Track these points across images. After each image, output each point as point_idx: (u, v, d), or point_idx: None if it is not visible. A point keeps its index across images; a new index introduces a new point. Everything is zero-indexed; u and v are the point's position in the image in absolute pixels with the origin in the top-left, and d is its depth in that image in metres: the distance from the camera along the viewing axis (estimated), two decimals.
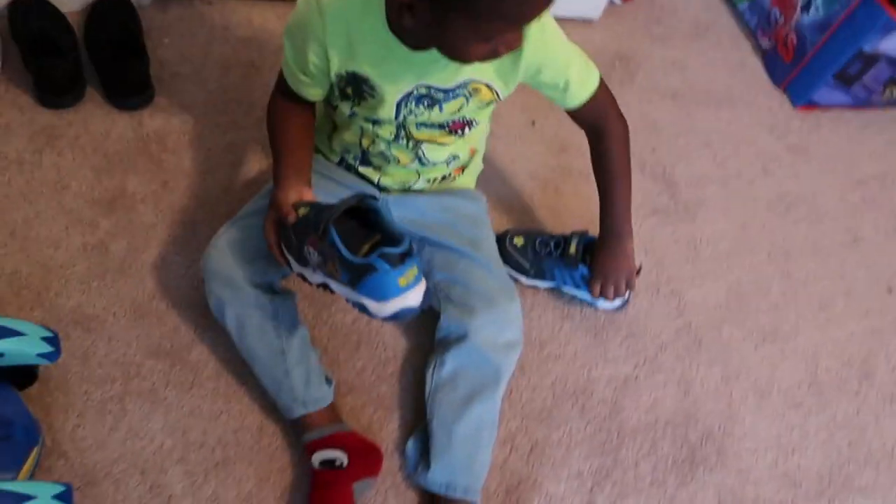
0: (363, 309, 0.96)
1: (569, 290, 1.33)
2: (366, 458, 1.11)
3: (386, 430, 1.17)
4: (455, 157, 1.19)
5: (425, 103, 1.05)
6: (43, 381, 1.09)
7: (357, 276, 0.93)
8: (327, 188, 1.15)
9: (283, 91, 1.10)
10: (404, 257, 0.91)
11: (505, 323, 1.14)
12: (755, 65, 1.82)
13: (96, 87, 1.37)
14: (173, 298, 1.20)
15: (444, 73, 1.01)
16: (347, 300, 0.97)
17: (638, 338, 1.35)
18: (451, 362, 1.13)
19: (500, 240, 1.31)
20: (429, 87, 1.03)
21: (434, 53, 0.96)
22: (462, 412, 1.10)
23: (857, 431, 1.33)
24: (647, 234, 1.46)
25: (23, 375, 1.05)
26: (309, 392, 1.10)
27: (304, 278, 1.03)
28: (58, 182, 1.27)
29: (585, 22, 1.73)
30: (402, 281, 0.93)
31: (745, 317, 1.43)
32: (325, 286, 1.00)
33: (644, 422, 1.27)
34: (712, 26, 1.87)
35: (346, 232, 0.94)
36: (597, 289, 1.26)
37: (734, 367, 1.36)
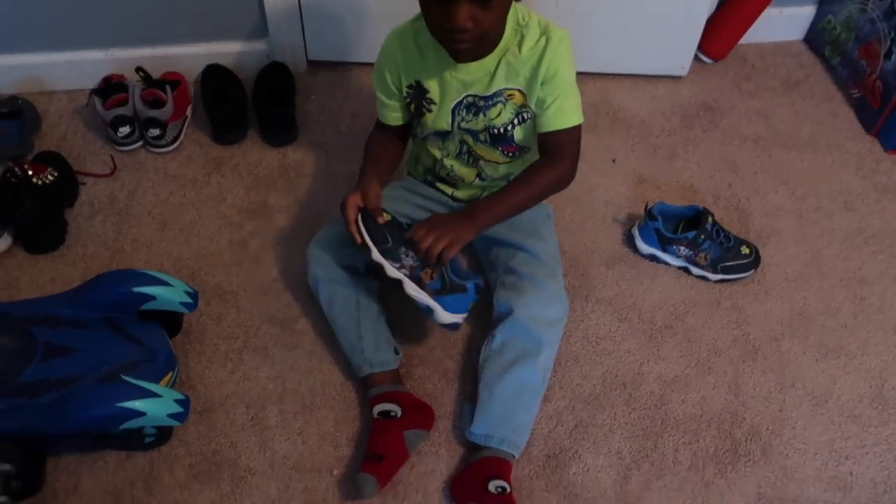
0: (427, 310, 1.24)
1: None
2: (417, 413, 1.31)
3: (447, 397, 1.36)
4: (511, 175, 1.41)
5: (472, 111, 1.30)
6: (186, 333, 1.42)
7: (447, 290, 1.24)
8: (413, 200, 1.47)
9: (377, 125, 1.44)
10: (480, 291, 1.28)
11: (547, 301, 1.31)
12: (847, 114, 1.87)
13: (255, 130, 1.77)
14: (290, 282, 1.50)
15: (481, 83, 1.27)
16: (414, 297, 1.23)
17: (693, 343, 1.45)
18: (500, 335, 1.31)
19: None
20: (473, 97, 1.28)
21: (473, 68, 1.24)
22: (503, 374, 1.27)
23: None
24: None
25: (171, 322, 1.38)
26: (376, 356, 1.33)
27: (378, 267, 1.23)
28: (218, 195, 1.65)
29: (673, 79, 1.89)
30: (472, 306, 1.28)
31: (808, 332, 1.47)
32: (397, 281, 1.22)
33: (689, 414, 1.35)
34: (804, 81, 1.94)
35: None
36: (418, 230, 1.22)
37: (790, 375, 1.41)
